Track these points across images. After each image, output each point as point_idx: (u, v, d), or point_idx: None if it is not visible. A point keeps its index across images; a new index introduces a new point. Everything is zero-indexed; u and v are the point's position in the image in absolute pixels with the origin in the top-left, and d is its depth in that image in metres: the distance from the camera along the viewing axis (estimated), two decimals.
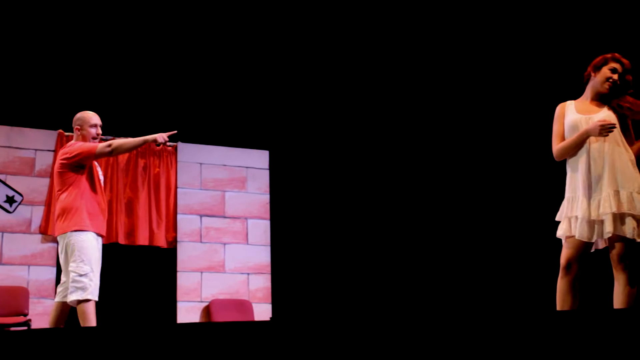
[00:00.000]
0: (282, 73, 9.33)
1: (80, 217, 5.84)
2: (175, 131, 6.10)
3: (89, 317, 5.71)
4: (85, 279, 5.72)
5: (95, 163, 6.09)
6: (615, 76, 4.93)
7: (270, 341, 3.38)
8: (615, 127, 4.80)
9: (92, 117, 6.11)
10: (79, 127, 6.07)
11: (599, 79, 4.98)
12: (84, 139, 6.05)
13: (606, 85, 4.94)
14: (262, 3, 8.49)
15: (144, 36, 8.63)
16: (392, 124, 9.67)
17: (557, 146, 5.00)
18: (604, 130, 4.76)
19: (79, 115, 6.13)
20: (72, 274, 5.75)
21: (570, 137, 4.93)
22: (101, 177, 6.11)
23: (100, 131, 6.11)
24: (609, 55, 5.00)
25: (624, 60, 4.97)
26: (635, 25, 7.80)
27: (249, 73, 9.28)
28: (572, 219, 4.82)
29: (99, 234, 5.91)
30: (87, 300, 5.72)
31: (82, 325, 5.75)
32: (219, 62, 9.09)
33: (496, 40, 8.78)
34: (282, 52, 9.17)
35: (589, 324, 3.29)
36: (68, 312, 5.90)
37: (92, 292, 5.73)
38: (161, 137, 5.96)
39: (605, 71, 4.97)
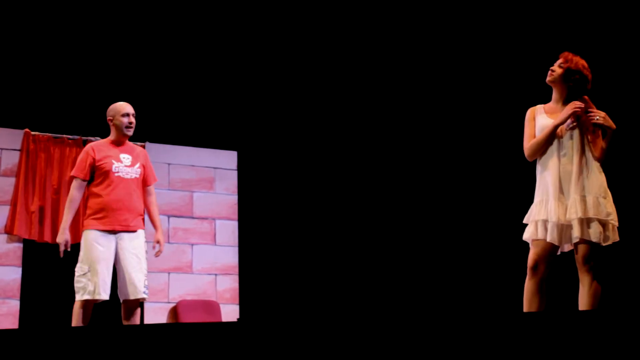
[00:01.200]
0: (251, 74, 9.32)
1: (85, 218, 6.05)
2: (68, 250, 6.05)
3: (77, 317, 5.83)
4: (83, 279, 5.84)
5: (122, 156, 6.07)
6: (552, 67, 5.06)
7: (238, 342, 3.38)
8: (582, 111, 4.88)
9: (125, 107, 6.12)
10: (111, 118, 6.11)
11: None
12: (117, 129, 6.09)
13: (547, 79, 5.08)
14: (229, 3, 8.48)
15: (111, 35, 8.58)
16: (361, 125, 9.68)
17: (527, 145, 5.06)
18: (573, 110, 4.86)
19: (110, 106, 6.14)
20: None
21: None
22: (121, 170, 6.04)
23: (133, 120, 6.12)
24: None
25: (561, 55, 5.04)
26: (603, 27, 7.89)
27: (218, 73, 9.25)
28: (539, 222, 4.87)
29: (108, 231, 5.94)
30: (85, 301, 5.83)
31: (73, 324, 5.89)
32: (187, 62, 9.06)
33: (469, 43, 8.83)
34: (250, 53, 9.16)
35: (555, 326, 3.31)
36: (132, 306, 6.00)
37: (91, 291, 5.81)
38: (61, 244, 5.97)
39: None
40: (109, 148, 6.09)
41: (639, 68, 7.85)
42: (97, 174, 6.00)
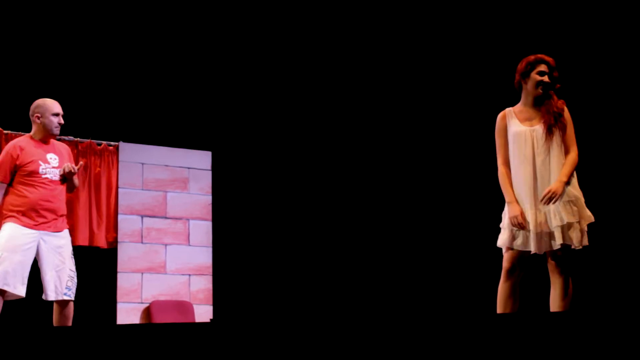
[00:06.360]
0: (225, 74, 9.30)
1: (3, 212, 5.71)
2: None
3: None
4: None
5: (50, 157, 5.74)
6: (546, 78, 4.96)
7: (211, 343, 3.36)
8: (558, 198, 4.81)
9: (54, 106, 5.77)
10: (39, 115, 5.75)
11: (530, 85, 5.00)
12: (45, 128, 5.74)
13: (540, 90, 4.97)
14: (200, 3, 8.47)
15: (83, 31, 8.54)
16: (336, 125, 9.67)
17: (501, 171, 5.02)
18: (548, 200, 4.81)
19: (39, 102, 5.80)
20: None
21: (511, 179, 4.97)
22: (48, 172, 5.73)
23: (62, 121, 5.78)
24: (532, 59, 5.01)
25: (548, 59, 5.00)
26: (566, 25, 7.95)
27: (193, 73, 9.23)
28: (514, 230, 4.85)
29: (28, 227, 5.63)
30: None
31: None
32: (162, 61, 9.03)
33: (453, 45, 8.86)
34: (224, 53, 9.15)
35: (529, 327, 3.33)
36: (60, 310, 5.91)
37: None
38: None
39: (534, 76, 4.98)
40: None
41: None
42: (26, 173, 5.70)
